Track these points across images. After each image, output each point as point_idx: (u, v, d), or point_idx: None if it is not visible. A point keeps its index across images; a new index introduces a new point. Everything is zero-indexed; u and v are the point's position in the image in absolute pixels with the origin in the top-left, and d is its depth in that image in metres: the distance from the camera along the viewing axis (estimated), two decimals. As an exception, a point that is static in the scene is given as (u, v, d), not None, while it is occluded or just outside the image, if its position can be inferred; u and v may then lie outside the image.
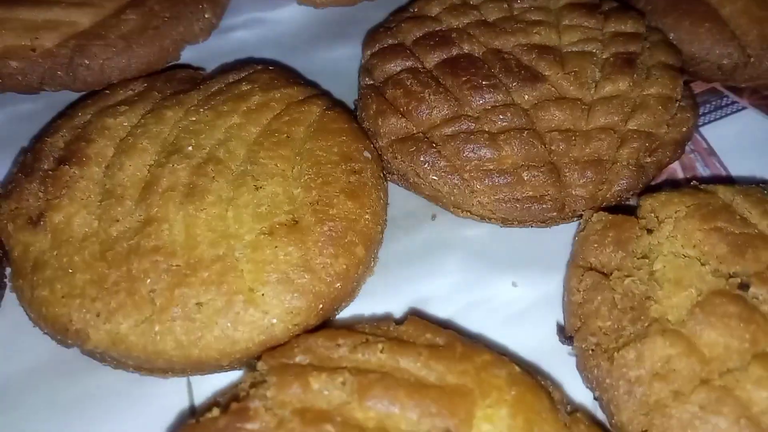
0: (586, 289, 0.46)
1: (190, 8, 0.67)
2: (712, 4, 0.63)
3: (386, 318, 0.51)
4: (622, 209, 0.51)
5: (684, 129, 0.56)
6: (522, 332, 0.50)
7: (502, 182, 0.52)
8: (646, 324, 0.43)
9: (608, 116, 0.54)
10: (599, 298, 0.45)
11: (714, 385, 0.40)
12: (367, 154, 0.53)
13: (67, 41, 0.62)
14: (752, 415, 0.39)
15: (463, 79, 0.55)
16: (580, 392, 0.46)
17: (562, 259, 0.52)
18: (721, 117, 0.64)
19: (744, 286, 0.43)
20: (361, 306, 0.51)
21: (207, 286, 0.44)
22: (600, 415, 0.45)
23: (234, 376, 0.48)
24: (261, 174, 0.49)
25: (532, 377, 0.42)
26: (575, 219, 0.54)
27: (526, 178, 0.52)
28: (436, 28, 0.61)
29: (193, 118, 0.53)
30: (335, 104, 0.58)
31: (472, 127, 0.54)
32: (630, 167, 0.53)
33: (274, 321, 0.45)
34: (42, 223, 0.48)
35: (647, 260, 0.46)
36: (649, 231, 0.48)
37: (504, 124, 0.54)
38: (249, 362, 0.46)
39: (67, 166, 0.50)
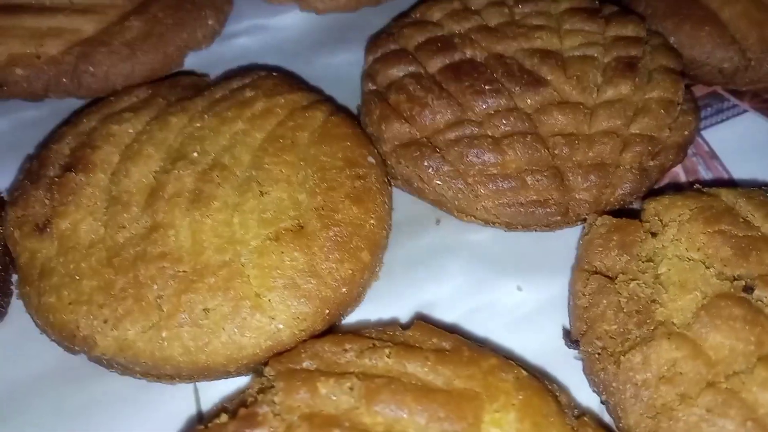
0: (592, 293, 0.47)
1: (193, 15, 0.68)
2: (712, 8, 0.64)
3: (392, 323, 0.51)
4: (625, 213, 0.51)
5: (686, 132, 0.56)
6: (527, 336, 0.50)
7: (506, 186, 0.52)
8: (652, 327, 0.43)
9: (611, 120, 0.54)
10: (605, 301, 0.46)
11: (720, 388, 0.40)
12: (371, 159, 0.54)
13: (71, 48, 0.62)
14: (758, 417, 0.39)
15: (466, 83, 0.56)
16: (586, 396, 0.46)
17: (567, 263, 0.52)
18: (723, 120, 0.64)
19: (748, 289, 0.43)
20: (367, 311, 0.52)
21: (214, 291, 0.45)
22: (607, 418, 0.45)
23: (240, 382, 0.48)
24: (266, 180, 0.50)
25: (539, 381, 0.42)
26: (579, 223, 0.54)
27: (529, 182, 0.52)
28: (438, 34, 0.61)
29: (198, 125, 0.53)
30: (339, 110, 0.58)
31: (476, 132, 0.54)
32: (633, 171, 0.53)
33: (281, 326, 0.45)
34: (48, 230, 0.49)
35: (652, 263, 0.46)
36: (653, 234, 0.48)
37: (507, 128, 0.54)
38: (256, 368, 0.46)
39: (73, 173, 0.50)
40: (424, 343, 0.43)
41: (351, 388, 0.39)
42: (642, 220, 0.50)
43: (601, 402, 0.45)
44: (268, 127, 0.53)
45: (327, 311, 0.46)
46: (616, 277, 0.46)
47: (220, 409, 0.41)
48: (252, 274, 0.45)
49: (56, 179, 0.51)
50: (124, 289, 0.45)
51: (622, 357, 0.43)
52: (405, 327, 0.44)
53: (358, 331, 0.44)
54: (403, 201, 0.57)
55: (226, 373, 0.46)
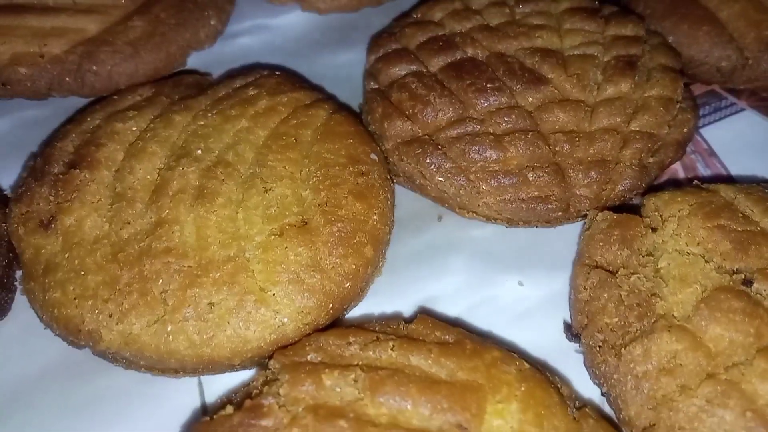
0: (593, 287, 0.47)
1: (195, 15, 0.68)
2: (710, 7, 0.64)
3: (396, 317, 0.51)
4: (626, 208, 0.52)
5: (685, 130, 0.57)
6: (529, 330, 0.51)
7: (507, 183, 0.53)
8: (653, 320, 0.44)
9: (611, 117, 0.55)
10: (606, 295, 0.46)
11: (720, 379, 0.40)
12: (373, 156, 0.54)
13: (75, 48, 0.63)
14: (758, 408, 0.39)
15: (468, 82, 0.56)
16: (587, 388, 0.47)
17: (568, 258, 0.53)
18: (721, 118, 0.65)
19: (747, 282, 0.44)
20: (370, 306, 0.52)
21: (218, 286, 0.45)
22: (608, 410, 0.46)
23: (245, 376, 0.49)
24: (270, 176, 0.50)
25: (541, 373, 0.42)
26: (580, 219, 0.55)
27: (531, 178, 0.53)
28: (440, 33, 0.62)
29: (202, 123, 0.54)
30: (341, 108, 0.58)
31: (477, 129, 0.54)
32: (633, 167, 0.53)
33: (285, 320, 0.45)
34: (53, 226, 0.49)
35: (652, 258, 0.47)
36: (654, 229, 0.49)
37: (508, 125, 0.54)
38: (260, 361, 0.46)
39: (77, 170, 0.51)
40: (427, 337, 0.43)
41: (355, 380, 0.39)
42: (642, 215, 0.50)
43: (602, 394, 0.45)
44: (272, 124, 0.54)
45: (331, 305, 0.47)
46: (617, 272, 0.47)
47: (225, 402, 0.41)
48: (256, 268, 0.46)
49: (60, 176, 0.51)
50: (129, 283, 0.45)
51: (622, 349, 0.43)
52: (408, 321, 0.45)
53: (362, 325, 0.45)
54: (405, 198, 0.58)
55: (230, 367, 0.47)
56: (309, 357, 0.41)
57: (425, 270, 0.54)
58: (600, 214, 0.51)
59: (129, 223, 0.48)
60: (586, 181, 0.53)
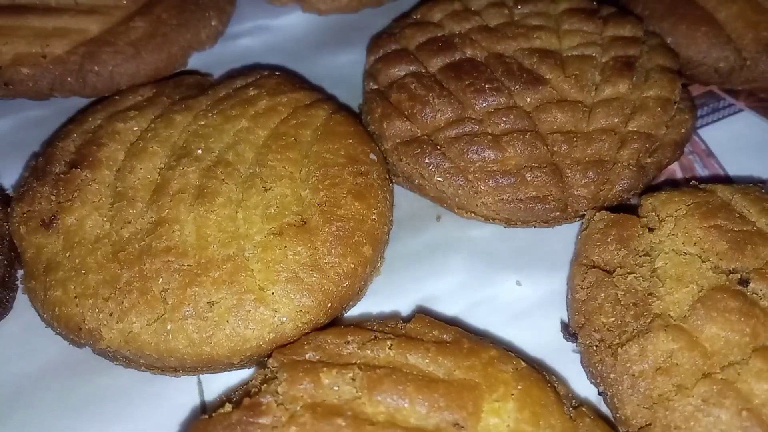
0: (590, 287, 0.47)
1: (196, 16, 0.69)
2: (708, 8, 0.65)
3: (394, 316, 0.52)
4: (623, 209, 0.52)
5: (683, 130, 0.57)
6: (527, 330, 0.51)
7: (505, 183, 0.53)
8: (649, 320, 0.44)
9: (608, 118, 0.55)
10: (602, 295, 0.46)
11: (716, 379, 0.41)
12: (373, 156, 0.54)
13: (77, 48, 0.63)
14: (753, 407, 0.40)
15: (467, 82, 0.57)
16: (584, 387, 0.47)
17: (565, 258, 0.53)
18: (719, 119, 0.65)
19: (744, 282, 0.44)
20: (369, 305, 0.52)
21: (218, 285, 0.45)
22: (604, 409, 0.46)
23: (244, 374, 0.49)
24: (269, 176, 0.50)
25: (538, 372, 0.42)
26: (578, 219, 0.55)
27: (529, 178, 0.53)
28: (439, 34, 0.62)
29: (202, 122, 0.54)
30: (341, 108, 0.59)
31: (476, 129, 0.55)
32: (631, 168, 0.54)
33: (284, 319, 0.45)
34: (54, 225, 0.49)
35: (649, 258, 0.47)
36: (651, 229, 0.49)
37: (507, 126, 0.55)
38: (259, 360, 0.46)
39: (78, 170, 0.51)
40: (424, 336, 0.43)
41: (353, 379, 0.40)
42: (639, 215, 0.50)
43: (599, 393, 0.46)
44: (272, 124, 0.54)
45: (329, 304, 0.47)
46: (614, 271, 0.47)
47: (224, 400, 0.41)
48: (256, 268, 0.46)
49: (62, 176, 0.51)
50: (130, 282, 0.46)
51: (619, 349, 0.43)
52: (406, 320, 0.45)
53: (360, 324, 0.45)
54: (404, 198, 0.58)
55: (230, 365, 0.47)
56: (307, 356, 0.42)
57: (424, 270, 0.55)
58: (597, 214, 0.51)
59: (129, 223, 0.48)
60: (583, 182, 0.53)
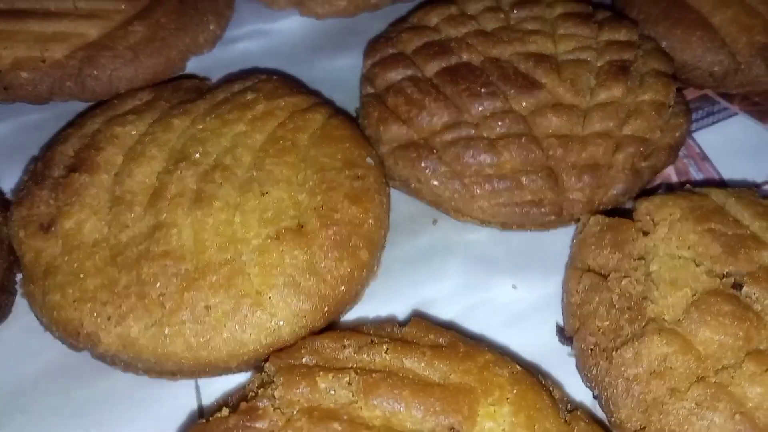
0: (585, 291, 0.48)
1: (195, 20, 0.69)
2: (702, 12, 0.65)
3: (390, 320, 0.52)
4: (618, 212, 0.52)
5: (677, 134, 0.57)
6: (522, 333, 0.51)
7: (501, 187, 0.53)
8: (643, 323, 0.44)
9: (604, 122, 0.55)
10: (597, 298, 0.47)
11: (709, 382, 0.41)
12: (369, 160, 0.55)
13: (76, 52, 0.63)
14: (747, 411, 0.40)
15: (463, 86, 0.57)
16: (579, 391, 0.47)
17: (561, 262, 0.53)
18: (713, 123, 0.65)
19: (737, 286, 0.44)
20: (365, 309, 0.52)
21: (215, 289, 0.46)
22: (599, 413, 0.46)
23: (241, 378, 0.49)
24: (267, 180, 0.51)
25: (533, 376, 0.43)
26: (573, 222, 0.55)
27: (524, 182, 0.53)
28: (436, 38, 0.62)
29: (200, 127, 0.54)
30: (338, 112, 0.59)
31: (472, 134, 0.55)
32: (626, 171, 0.54)
33: (281, 323, 0.46)
34: (53, 229, 0.49)
35: (643, 261, 0.47)
36: (645, 233, 0.49)
37: (503, 130, 0.55)
38: (256, 364, 0.47)
39: (77, 174, 0.51)
40: (420, 340, 0.44)
41: (349, 383, 0.40)
42: (634, 219, 0.51)
43: (594, 397, 0.46)
44: (269, 128, 0.55)
45: (326, 308, 0.47)
46: (609, 275, 0.47)
47: (221, 404, 0.42)
48: (253, 272, 0.46)
49: (61, 180, 0.52)
50: (128, 286, 0.46)
51: (614, 353, 0.44)
52: (402, 324, 0.45)
53: (356, 328, 0.45)
54: (400, 201, 0.59)
55: (227, 370, 0.47)
56: (304, 360, 0.42)
57: (420, 273, 0.55)
58: (592, 218, 0.51)
59: (128, 227, 0.49)
60: (579, 185, 0.53)
